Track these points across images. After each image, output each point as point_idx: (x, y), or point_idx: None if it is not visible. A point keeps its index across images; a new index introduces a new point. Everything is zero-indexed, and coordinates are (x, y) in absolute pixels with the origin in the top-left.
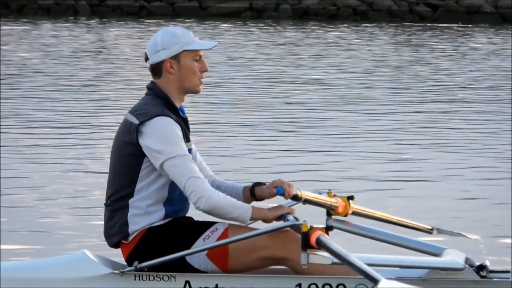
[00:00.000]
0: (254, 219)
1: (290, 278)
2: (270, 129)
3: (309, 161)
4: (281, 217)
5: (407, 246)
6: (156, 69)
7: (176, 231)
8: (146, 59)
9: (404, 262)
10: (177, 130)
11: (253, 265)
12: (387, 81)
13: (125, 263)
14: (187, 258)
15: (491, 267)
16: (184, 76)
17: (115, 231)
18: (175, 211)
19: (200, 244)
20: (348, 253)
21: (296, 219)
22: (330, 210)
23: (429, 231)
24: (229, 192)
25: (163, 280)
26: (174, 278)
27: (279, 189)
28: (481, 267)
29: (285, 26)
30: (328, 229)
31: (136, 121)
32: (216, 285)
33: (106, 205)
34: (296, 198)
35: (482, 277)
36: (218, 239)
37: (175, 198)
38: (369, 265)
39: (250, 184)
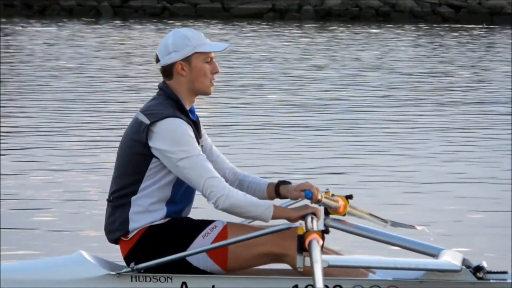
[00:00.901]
0: (276, 217)
1: (287, 279)
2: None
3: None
4: (305, 217)
5: (404, 247)
6: (167, 71)
7: (176, 230)
8: (157, 60)
9: (401, 264)
10: (189, 130)
11: (253, 262)
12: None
13: (121, 263)
14: (187, 257)
15: (488, 268)
16: (195, 78)
17: (115, 227)
18: (176, 211)
19: (199, 241)
20: (336, 258)
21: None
22: (330, 210)
23: (384, 223)
24: (252, 187)
25: (160, 281)
26: (171, 279)
27: (308, 193)
28: (478, 268)
29: (309, 27)
30: (324, 232)
31: (147, 121)
32: (213, 286)
33: (108, 201)
34: (318, 202)
35: (479, 278)
36: (217, 236)
37: (178, 199)
38: (366, 267)
39: (274, 180)
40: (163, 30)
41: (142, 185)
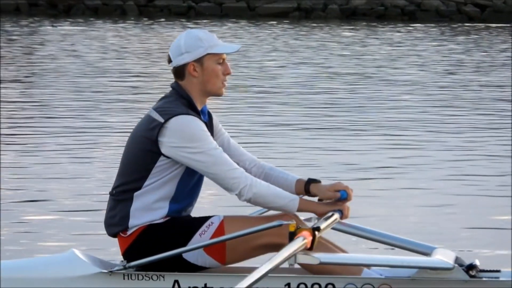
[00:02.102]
0: (302, 210)
1: (279, 277)
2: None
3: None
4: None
5: (397, 245)
6: (179, 72)
7: (174, 229)
8: (169, 61)
9: (393, 261)
10: (203, 126)
11: (251, 254)
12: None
13: (113, 261)
14: (184, 254)
15: (481, 267)
16: (207, 79)
17: (115, 222)
18: (178, 209)
19: (197, 240)
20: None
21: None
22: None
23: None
24: (279, 181)
25: (152, 279)
26: (163, 277)
27: (343, 194)
28: (471, 267)
29: (337, 26)
30: (315, 229)
31: (161, 119)
32: (205, 284)
33: (111, 194)
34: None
35: (471, 276)
36: (214, 232)
37: (181, 197)
38: (358, 265)
39: (302, 178)
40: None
41: (147, 182)
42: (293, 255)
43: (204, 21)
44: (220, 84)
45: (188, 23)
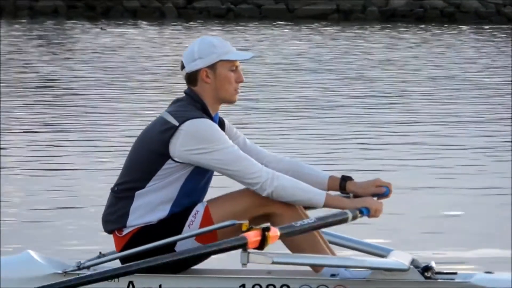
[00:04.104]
0: (329, 205)
1: (235, 278)
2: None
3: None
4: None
5: (353, 248)
6: (192, 78)
7: (164, 228)
8: (182, 67)
9: (348, 262)
10: (218, 127)
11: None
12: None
13: (69, 262)
14: (177, 248)
15: (437, 269)
16: (220, 86)
17: (113, 219)
18: (179, 213)
19: (186, 232)
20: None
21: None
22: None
23: None
24: (310, 178)
25: (107, 280)
26: (118, 278)
27: (387, 190)
28: (427, 268)
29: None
30: (264, 229)
31: (176, 123)
32: (160, 285)
33: (112, 190)
34: None
35: (427, 278)
36: (202, 220)
37: (183, 201)
38: (312, 265)
39: (335, 175)
40: (227, 31)
41: (150, 183)
42: (246, 254)
43: (243, 23)
44: (232, 91)
45: (227, 25)
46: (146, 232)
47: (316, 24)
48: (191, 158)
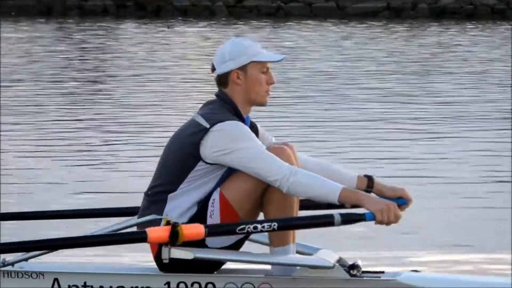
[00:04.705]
0: (345, 201)
1: (159, 276)
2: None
3: None
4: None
5: None
6: (223, 80)
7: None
8: (213, 69)
9: (272, 259)
10: (248, 129)
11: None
12: None
13: None
14: (209, 243)
15: (364, 268)
16: (251, 87)
17: (148, 224)
18: None
19: (209, 222)
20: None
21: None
22: None
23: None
24: (338, 177)
25: (32, 277)
26: (43, 275)
27: (405, 201)
28: (353, 267)
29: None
30: (174, 225)
31: (207, 125)
32: (85, 282)
33: (146, 194)
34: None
35: (352, 275)
36: (221, 208)
37: None
38: (234, 261)
39: (365, 174)
40: (277, 30)
41: (182, 185)
42: (168, 249)
43: (293, 22)
44: (263, 92)
45: (277, 24)
46: None
47: (371, 22)
48: (220, 159)
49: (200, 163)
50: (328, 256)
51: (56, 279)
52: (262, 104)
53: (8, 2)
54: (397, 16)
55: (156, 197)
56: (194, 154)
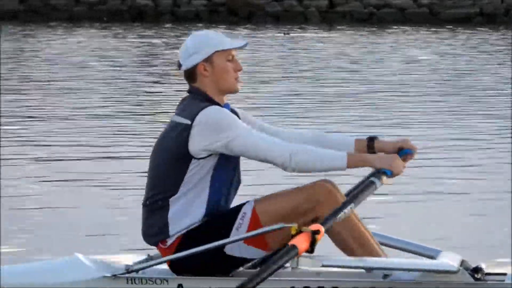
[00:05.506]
0: (354, 166)
1: (284, 281)
2: None
3: None
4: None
5: (403, 248)
6: (191, 74)
7: (211, 231)
8: (179, 66)
9: (397, 264)
10: (229, 112)
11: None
12: None
13: (117, 264)
14: (227, 250)
15: (487, 270)
16: (219, 77)
17: (155, 231)
18: (217, 205)
19: (235, 235)
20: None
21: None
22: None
23: None
24: (335, 144)
25: (156, 283)
26: (167, 281)
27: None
28: (477, 270)
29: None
30: (314, 233)
31: (188, 121)
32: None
33: (144, 205)
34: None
35: (476, 279)
36: (250, 224)
37: (218, 192)
38: (361, 268)
39: (360, 137)
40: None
41: (182, 188)
42: (296, 258)
43: (387, 28)
44: (232, 80)
45: (371, 31)
46: (193, 237)
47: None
48: (212, 148)
49: (193, 161)
50: (451, 259)
51: (180, 285)
52: (234, 91)
53: (100, 7)
54: (490, 22)
55: (157, 204)
56: (184, 154)
